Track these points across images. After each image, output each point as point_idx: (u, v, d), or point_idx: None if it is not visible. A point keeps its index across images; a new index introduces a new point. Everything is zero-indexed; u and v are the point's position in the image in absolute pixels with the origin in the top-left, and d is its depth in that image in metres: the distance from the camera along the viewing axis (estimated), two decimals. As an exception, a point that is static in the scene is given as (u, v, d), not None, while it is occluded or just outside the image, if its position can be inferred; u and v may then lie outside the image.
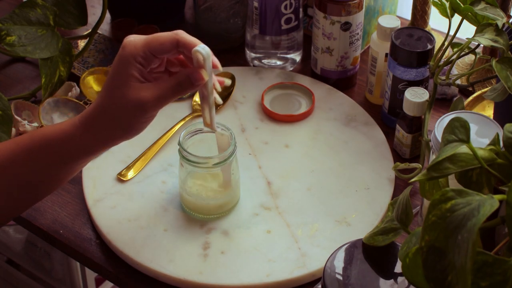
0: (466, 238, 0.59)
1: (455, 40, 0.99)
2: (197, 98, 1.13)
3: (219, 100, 0.87)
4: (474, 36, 0.93)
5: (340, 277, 0.75)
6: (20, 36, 1.07)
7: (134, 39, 0.83)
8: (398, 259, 0.75)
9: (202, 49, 0.82)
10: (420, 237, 0.62)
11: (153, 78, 0.85)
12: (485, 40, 0.91)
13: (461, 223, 0.60)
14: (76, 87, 1.16)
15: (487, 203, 0.60)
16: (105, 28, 1.31)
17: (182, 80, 0.83)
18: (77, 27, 1.15)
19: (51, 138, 0.84)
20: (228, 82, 0.88)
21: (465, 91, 1.17)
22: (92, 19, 1.27)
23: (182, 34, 0.84)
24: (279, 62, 1.20)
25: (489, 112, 1.08)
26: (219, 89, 0.86)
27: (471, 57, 1.21)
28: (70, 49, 1.12)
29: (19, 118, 1.09)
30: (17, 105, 1.12)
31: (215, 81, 0.86)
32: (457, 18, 0.98)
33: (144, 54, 0.82)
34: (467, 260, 0.58)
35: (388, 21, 1.10)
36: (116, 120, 0.83)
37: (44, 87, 1.09)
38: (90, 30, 1.19)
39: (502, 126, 0.76)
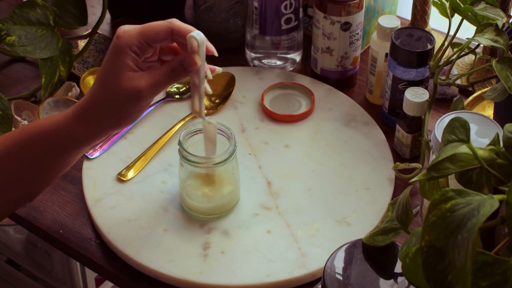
0: (466, 238, 0.59)
1: (455, 40, 0.99)
2: (197, 98, 1.13)
3: (209, 90, 0.88)
4: (474, 36, 0.93)
5: (340, 277, 0.75)
6: (20, 36, 1.07)
7: (128, 29, 0.83)
8: (398, 259, 0.75)
9: (197, 34, 0.83)
10: (420, 237, 0.62)
11: (146, 67, 0.85)
12: (485, 40, 0.91)
13: (461, 223, 0.60)
14: (76, 87, 1.16)
15: (487, 203, 0.60)
16: (105, 28, 1.31)
17: (175, 66, 0.84)
18: (77, 27, 1.15)
19: (44, 130, 0.84)
20: (219, 70, 0.88)
21: (465, 91, 1.17)
22: (92, 19, 1.27)
23: (176, 22, 0.84)
24: (279, 62, 1.20)
25: (489, 112, 1.08)
26: (210, 77, 0.87)
27: (471, 57, 1.20)
28: (70, 49, 1.12)
29: (19, 118, 1.09)
30: (17, 105, 1.12)
31: (207, 69, 0.86)
32: (457, 18, 0.98)
33: (139, 44, 0.82)
34: (467, 260, 0.57)
35: (388, 21, 1.10)
36: (111, 111, 0.83)
37: (44, 87, 1.09)
38: (90, 30, 1.19)
39: (502, 126, 0.76)
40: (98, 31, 1.23)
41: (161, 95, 1.14)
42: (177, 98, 1.14)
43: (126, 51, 0.82)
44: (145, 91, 0.83)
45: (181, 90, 1.15)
